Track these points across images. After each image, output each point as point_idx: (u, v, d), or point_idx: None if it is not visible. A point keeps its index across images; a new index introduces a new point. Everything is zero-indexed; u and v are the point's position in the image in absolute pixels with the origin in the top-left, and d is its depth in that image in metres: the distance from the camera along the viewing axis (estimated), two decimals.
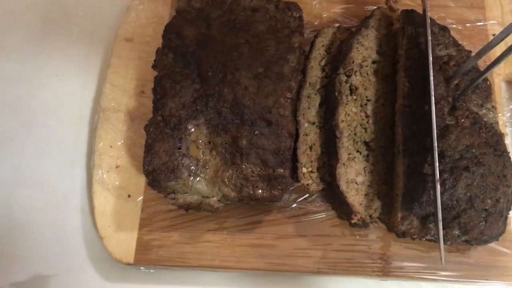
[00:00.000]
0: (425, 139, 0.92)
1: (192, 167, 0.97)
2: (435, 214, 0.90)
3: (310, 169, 1.01)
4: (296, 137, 1.02)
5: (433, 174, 0.88)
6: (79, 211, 1.12)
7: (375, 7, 1.15)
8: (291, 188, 1.06)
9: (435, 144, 0.89)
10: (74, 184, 1.14)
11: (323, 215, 1.05)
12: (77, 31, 1.29)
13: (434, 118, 0.90)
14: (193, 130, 1.00)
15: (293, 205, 1.06)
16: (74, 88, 1.23)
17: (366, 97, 1.03)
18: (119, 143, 1.11)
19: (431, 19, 1.05)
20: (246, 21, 1.10)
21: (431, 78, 0.92)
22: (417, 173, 0.92)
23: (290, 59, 1.06)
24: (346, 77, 1.02)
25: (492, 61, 0.95)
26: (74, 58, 1.26)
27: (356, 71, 1.03)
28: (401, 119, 0.96)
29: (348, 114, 1.00)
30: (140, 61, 1.19)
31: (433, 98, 0.91)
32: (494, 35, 1.21)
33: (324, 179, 1.02)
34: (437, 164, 0.88)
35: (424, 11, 1.02)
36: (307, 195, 1.06)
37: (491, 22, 1.22)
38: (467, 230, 0.91)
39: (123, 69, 1.18)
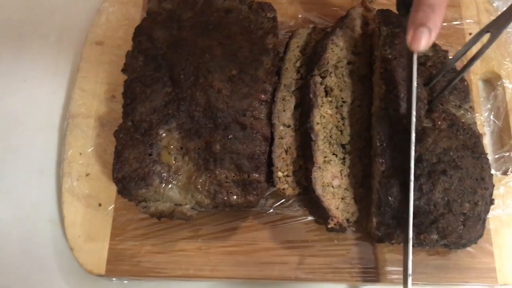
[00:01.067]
0: (401, 143, 0.90)
1: (164, 174, 0.94)
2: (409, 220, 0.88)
3: (286, 173, 0.99)
4: (271, 140, 0.99)
5: (408, 179, 0.87)
6: (49, 221, 1.08)
7: (350, 8, 1.13)
8: (267, 193, 1.03)
9: (413, 147, 0.88)
10: (43, 193, 1.10)
11: (300, 220, 1.02)
12: (46, 34, 1.25)
13: (414, 121, 0.89)
14: (164, 135, 0.96)
15: (270, 211, 1.03)
16: (42, 94, 1.19)
17: (342, 98, 1.01)
18: (89, 150, 1.08)
19: None
20: (218, 22, 1.07)
21: (414, 84, 0.89)
22: (392, 177, 0.90)
23: (264, 61, 1.03)
24: (321, 79, 1.00)
25: (468, 60, 0.94)
26: (42, 63, 1.22)
27: (331, 72, 1.01)
28: (378, 121, 0.94)
29: (323, 116, 0.98)
30: (111, 65, 1.15)
31: (414, 101, 0.89)
32: (470, 34, 1.20)
33: (300, 183, 0.99)
34: (413, 168, 0.87)
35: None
36: (284, 200, 1.03)
37: (468, 21, 1.21)
38: (446, 234, 0.89)
39: (93, 73, 1.15)
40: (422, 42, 0.79)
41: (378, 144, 0.92)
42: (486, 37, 0.89)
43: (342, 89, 1.02)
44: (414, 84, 0.87)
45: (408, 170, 0.87)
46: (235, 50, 1.03)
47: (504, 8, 1.15)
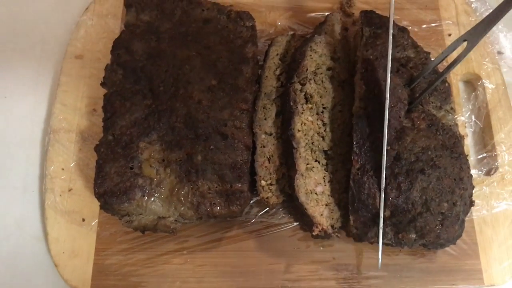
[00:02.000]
0: (378, 142, 0.91)
1: (146, 187, 0.93)
2: (389, 218, 0.88)
3: (269, 181, 0.98)
4: (253, 149, 0.99)
5: (380, 176, 0.87)
6: (32, 238, 1.07)
7: (328, 13, 1.13)
8: (251, 202, 1.03)
9: (385, 146, 0.89)
10: (26, 209, 1.09)
11: (285, 227, 1.02)
12: (25, 49, 1.24)
13: (387, 121, 0.89)
14: (145, 148, 0.96)
15: (254, 220, 1.03)
16: (23, 109, 1.18)
17: (322, 104, 1.01)
18: (72, 165, 1.07)
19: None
20: (197, 33, 1.07)
21: (388, 81, 0.90)
22: (365, 174, 0.90)
23: (244, 70, 1.03)
24: (300, 86, 1.00)
25: (449, 62, 0.94)
26: (23, 78, 1.21)
27: (310, 79, 1.01)
28: (356, 120, 0.94)
29: (304, 123, 0.98)
30: (91, 79, 1.14)
31: (387, 102, 0.89)
32: (449, 35, 1.20)
33: (284, 191, 0.99)
34: (385, 166, 0.88)
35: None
36: (268, 208, 1.03)
37: (446, 22, 1.22)
38: (424, 233, 0.89)
39: (73, 87, 1.14)
40: None
41: (355, 142, 0.92)
42: (464, 44, 0.89)
43: (322, 95, 1.02)
44: (388, 76, 0.88)
45: (380, 169, 0.88)
46: (214, 60, 1.03)
47: (482, 9, 1.17)
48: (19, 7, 1.29)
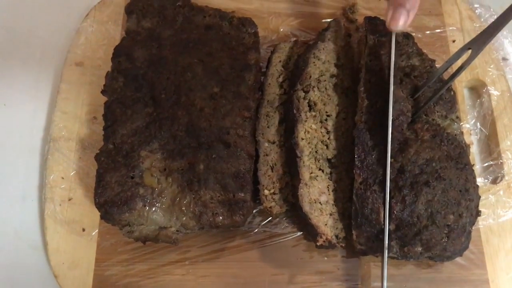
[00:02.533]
0: (381, 155, 0.89)
1: (147, 197, 0.92)
2: (394, 231, 0.87)
3: (272, 190, 0.97)
4: (256, 158, 0.97)
5: (384, 191, 0.86)
6: (32, 248, 1.05)
7: (331, 19, 1.12)
8: (254, 211, 1.01)
9: (389, 159, 0.87)
10: (25, 219, 1.07)
11: (289, 237, 1.01)
12: (25, 56, 1.23)
13: (390, 135, 0.88)
14: (146, 157, 0.94)
15: (257, 229, 1.01)
16: (23, 117, 1.16)
17: (326, 112, 1.00)
18: (72, 174, 1.05)
19: None
20: (199, 40, 1.06)
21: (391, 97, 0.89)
22: (368, 189, 0.88)
23: (246, 77, 1.02)
24: (304, 93, 0.99)
25: (454, 70, 0.93)
26: (22, 86, 1.19)
27: (314, 86, 0.99)
28: (357, 134, 0.92)
29: (308, 131, 0.96)
30: (92, 86, 1.13)
31: (390, 115, 0.88)
32: (454, 41, 1.19)
33: (288, 200, 0.97)
34: (388, 180, 0.87)
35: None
36: (272, 217, 1.01)
37: (450, 28, 1.21)
38: (430, 246, 0.87)
39: (73, 95, 1.13)
40: (400, 21, 0.86)
41: (356, 156, 0.90)
42: (469, 52, 0.88)
43: (326, 103, 1.00)
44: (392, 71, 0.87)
45: (384, 182, 0.87)
46: (216, 67, 1.02)
47: (487, 15, 1.15)
48: (19, 14, 1.28)
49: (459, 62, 0.92)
